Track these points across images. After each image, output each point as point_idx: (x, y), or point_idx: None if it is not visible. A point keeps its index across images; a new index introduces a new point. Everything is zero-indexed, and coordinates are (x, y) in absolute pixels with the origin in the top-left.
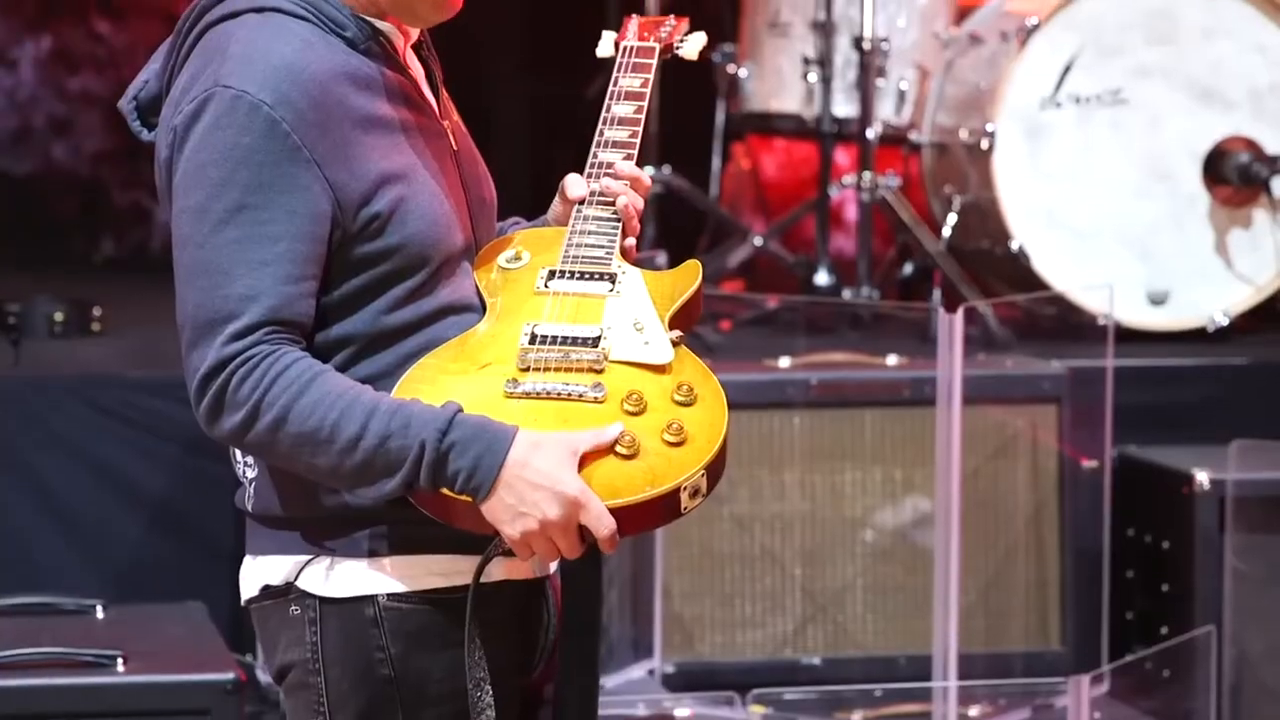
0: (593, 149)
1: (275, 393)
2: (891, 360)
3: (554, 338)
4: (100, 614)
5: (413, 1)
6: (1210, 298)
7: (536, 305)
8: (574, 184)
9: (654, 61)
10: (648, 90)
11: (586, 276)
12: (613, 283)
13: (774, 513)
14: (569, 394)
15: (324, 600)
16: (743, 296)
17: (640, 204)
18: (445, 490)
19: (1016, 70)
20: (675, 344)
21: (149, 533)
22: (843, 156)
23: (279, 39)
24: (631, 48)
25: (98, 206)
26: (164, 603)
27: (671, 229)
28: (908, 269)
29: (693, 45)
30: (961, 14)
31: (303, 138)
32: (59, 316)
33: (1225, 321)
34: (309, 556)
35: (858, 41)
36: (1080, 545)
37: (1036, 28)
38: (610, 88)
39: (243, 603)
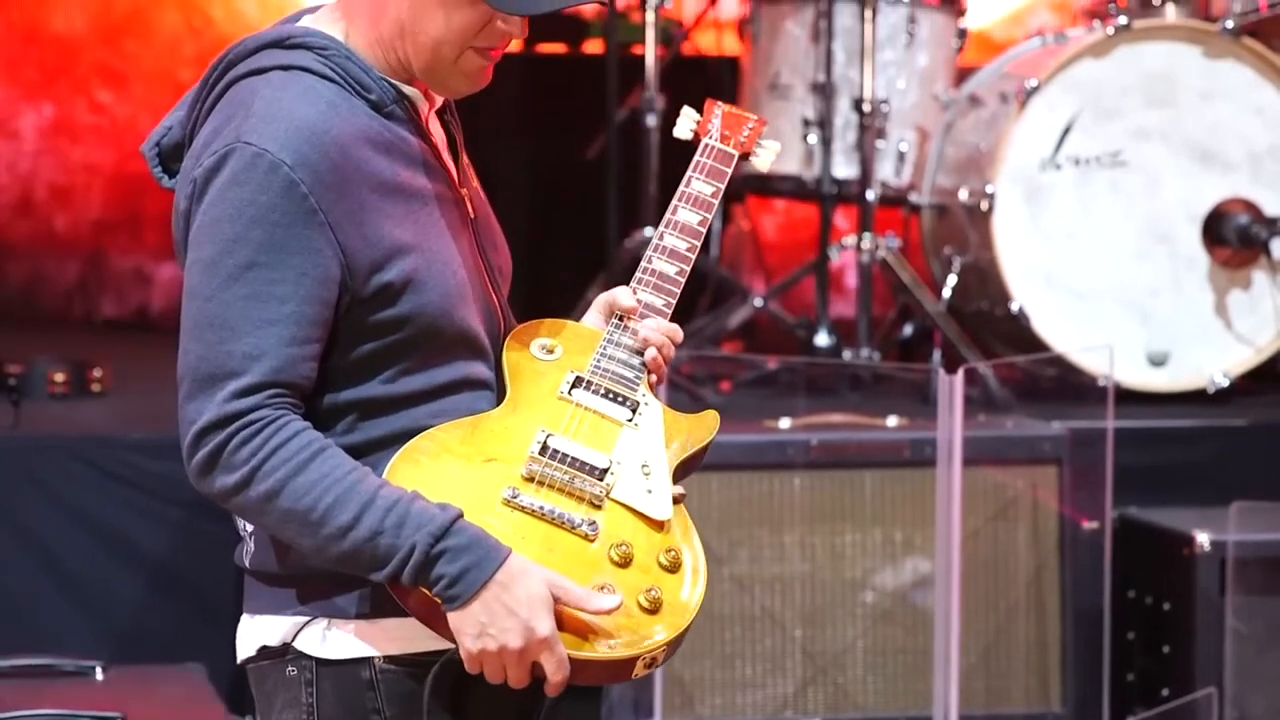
0: (649, 252)
1: (274, 463)
2: (892, 421)
3: (564, 455)
4: (100, 675)
5: (444, 75)
6: (1210, 359)
7: (556, 412)
8: (623, 295)
9: (729, 171)
10: (717, 201)
11: (610, 396)
12: (634, 412)
13: (774, 574)
14: (563, 521)
15: (320, 661)
16: (743, 358)
17: (670, 355)
18: (424, 589)
19: (1016, 132)
20: (677, 501)
21: (149, 593)
22: (843, 218)
23: (303, 99)
24: (712, 148)
25: (98, 270)
26: (163, 664)
27: None
28: (908, 330)
29: (766, 155)
30: (961, 76)
31: (319, 200)
32: (59, 377)
33: (1225, 383)
34: (306, 618)
35: (857, 103)
36: (1081, 606)
37: (1036, 90)
38: (682, 186)
39: (239, 662)
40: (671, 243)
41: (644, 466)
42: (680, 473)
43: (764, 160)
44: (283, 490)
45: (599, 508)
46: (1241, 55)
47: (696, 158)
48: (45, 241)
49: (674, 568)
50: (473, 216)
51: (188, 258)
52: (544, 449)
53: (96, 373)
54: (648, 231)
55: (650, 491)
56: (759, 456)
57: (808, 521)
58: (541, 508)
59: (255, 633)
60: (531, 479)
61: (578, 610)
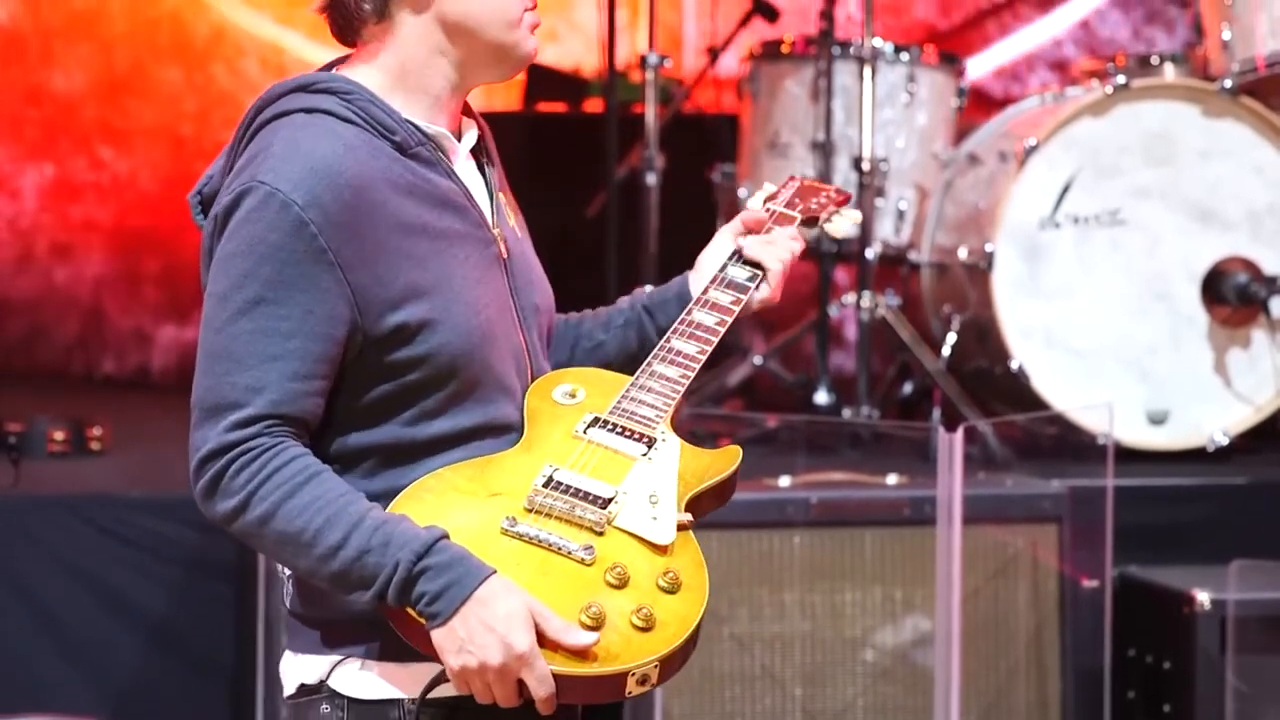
0: (693, 305)
1: (269, 488)
2: (891, 479)
3: (568, 487)
4: None
5: (518, 39)
6: (1210, 417)
7: (567, 449)
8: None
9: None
10: (749, 294)
11: (626, 434)
12: (649, 447)
13: (774, 632)
14: (558, 548)
15: (352, 701)
16: (742, 416)
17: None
18: (409, 609)
19: (1015, 190)
20: (683, 527)
21: (148, 652)
22: (842, 276)
23: (321, 140)
24: (775, 212)
25: (98, 329)
26: None
27: None
28: (907, 388)
29: (841, 223)
30: (960, 134)
31: (328, 240)
32: (59, 436)
33: (1225, 441)
34: (340, 657)
35: (857, 162)
36: (1081, 665)
37: (1035, 148)
38: (732, 248)
39: (283, 699)
40: (715, 297)
41: (652, 496)
42: (699, 505)
43: (837, 227)
44: (276, 513)
45: (599, 534)
46: (1240, 114)
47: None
48: (45, 298)
49: (673, 589)
50: (505, 256)
51: (206, 290)
52: (549, 482)
53: (96, 431)
54: (648, 289)
55: (655, 519)
56: (759, 515)
57: (808, 580)
58: (538, 535)
59: (295, 670)
60: (532, 509)
61: (557, 641)
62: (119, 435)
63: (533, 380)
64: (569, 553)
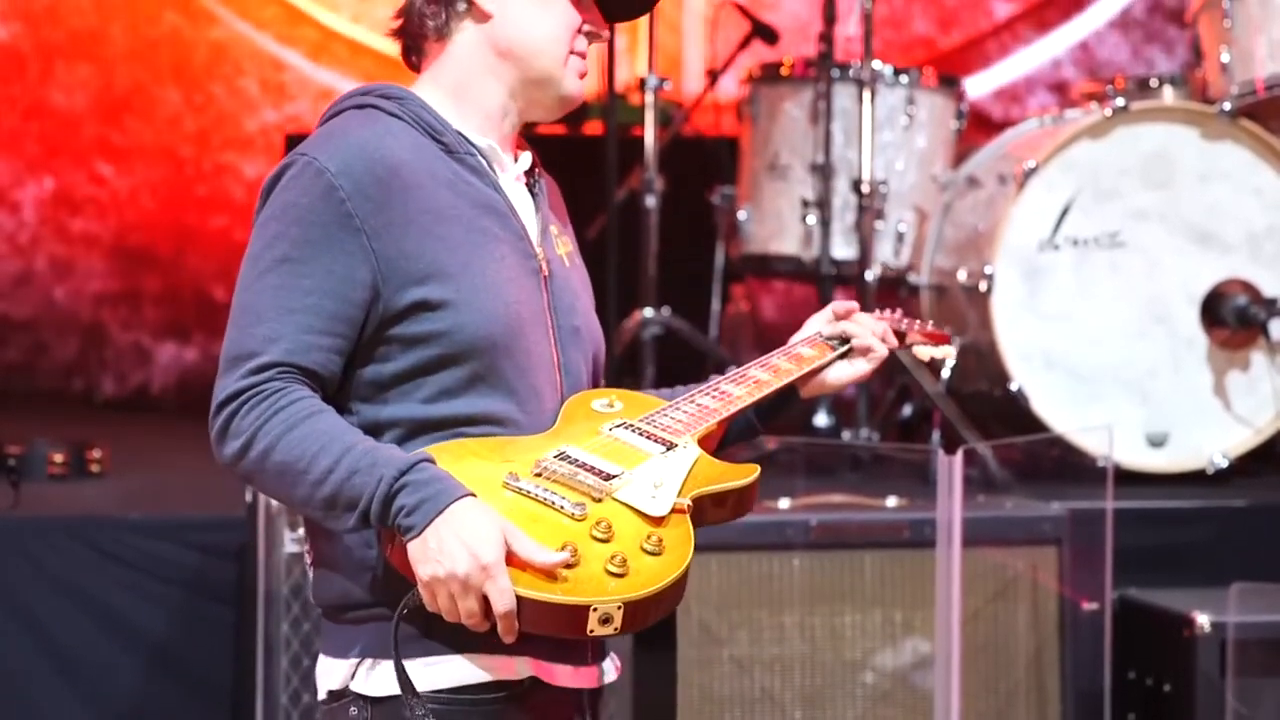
0: (752, 364)
1: (272, 424)
2: (891, 502)
3: (576, 460)
4: None
5: (560, 79)
6: (1209, 440)
7: (587, 437)
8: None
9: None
10: (833, 355)
11: (648, 436)
12: (668, 449)
13: (774, 655)
14: (550, 502)
15: (371, 700)
16: None
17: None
18: (387, 525)
19: (1014, 212)
20: (680, 510)
21: (147, 674)
22: (841, 297)
23: (366, 124)
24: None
25: (98, 348)
26: None
27: (670, 370)
28: (907, 410)
29: (930, 351)
30: (959, 155)
31: (356, 207)
32: (58, 458)
33: (1225, 463)
34: (358, 659)
35: (856, 184)
36: (1081, 688)
37: (1034, 171)
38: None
39: (319, 704)
40: (780, 362)
41: (656, 484)
42: (705, 507)
43: (926, 353)
44: (277, 445)
45: (596, 501)
46: (1239, 137)
47: None
48: (45, 316)
49: (656, 552)
50: (545, 274)
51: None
52: (560, 455)
53: (95, 453)
54: (647, 312)
55: (654, 498)
56: (758, 537)
57: (807, 602)
58: (534, 491)
59: (325, 676)
60: (537, 472)
61: (526, 559)
62: (118, 457)
63: (565, 395)
64: (560, 507)
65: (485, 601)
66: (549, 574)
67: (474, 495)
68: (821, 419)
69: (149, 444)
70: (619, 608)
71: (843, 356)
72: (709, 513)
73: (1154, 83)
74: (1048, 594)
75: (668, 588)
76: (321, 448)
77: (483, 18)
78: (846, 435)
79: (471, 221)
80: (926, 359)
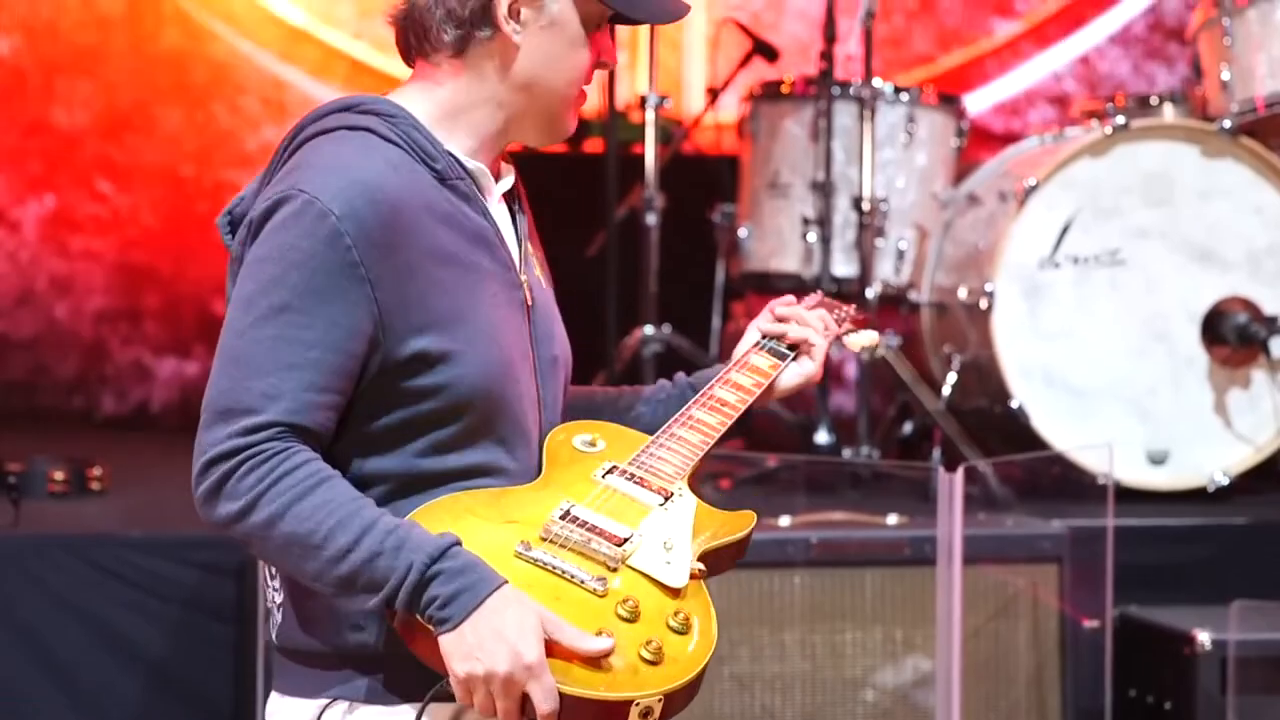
0: (714, 382)
1: (278, 490)
2: (892, 519)
3: (584, 522)
4: None
5: (565, 115)
6: (1210, 457)
7: (585, 488)
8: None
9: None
10: (784, 363)
11: (644, 484)
12: (666, 499)
13: (774, 673)
14: (571, 576)
15: None
16: (742, 455)
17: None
18: (417, 614)
19: (1015, 230)
20: (695, 576)
21: (147, 692)
22: None
23: (364, 155)
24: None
25: (98, 365)
26: None
27: None
28: (908, 428)
29: (858, 339)
30: (960, 174)
31: (362, 255)
32: (59, 476)
33: (1225, 481)
34: (328, 700)
35: (857, 202)
36: (1082, 706)
37: (1034, 188)
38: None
39: None
40: (737, 377)
41: (666, 542)
42: (710, 563)
43: (854, 342)
44: (285, 514)
45: (613, 570)
46: (1239, 155)
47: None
48: (45, 334)
49: (684, 630)
50: (529, 304)
51: (232, 295)
52: (565, 515)
53: (96, 471)
54: (648, 329)
55: (669, 563)
56: (759, 554)
57: (808, 620)
58: (552, 563)
59: (282, 715)
60: (547, 538)
61: (571, 648)
62: (119, 475)
63: (544, 430)
64: (581, 582)
65: (524, 698)
66: (589, 663)
67: (509, 583)
68: (822, 436)
69: (149, 461)
70: (659, 700)
71: (792, 359)
72: (714, 565)
73: (1154, 100)
74: (1048, 612)
75: (702, 672)
76: (338, 522)
77: (507, 48)
78: (847, 453)
79: (466, 259)
80: (858, 349)
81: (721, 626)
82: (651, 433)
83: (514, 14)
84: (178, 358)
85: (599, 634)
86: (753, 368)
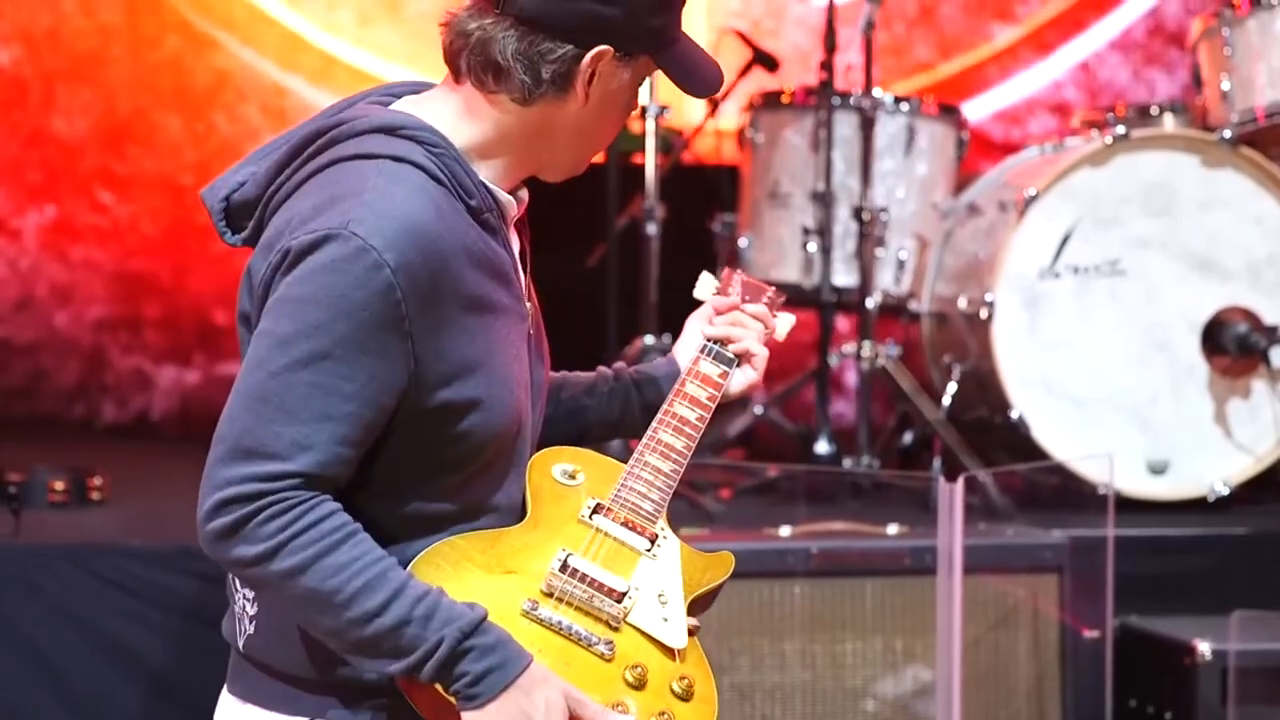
0: (672, 398)
1: (303, 540)
2: (892, 529)
3: (584, 576)
4: None
5: (582, 165)
6: (1210, 467)
7: (576, 533)
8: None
9: None
10: (731, 369)
11: (630, 527)
12: (652, 543)
13: (775, 682)
14: (581, 639)
15: None
16: (743, 465)
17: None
18: (440, 686)
19: (1015, 240)
20: (691, 632)
21: (147, 702)
22: (842, 325)
23: (416, 198)
24: (745, 297)
25: (99, 374)
26: None
27: None
28: (908, 438)
29: (782, 325)
30: (960, 184)
31: (409, 309)
32: (59, 486)
33: (1225, 491)
34: (307, 718)
35: (857, 212)
36: (1082, 716)
37: (1035, 198)
38: (707, 342)
39: None
40: (692, 390)
41: (660, 595)
42: (696, 610)
43: (781, 330)
44: (309, 568)
45: (615, 629)
46: (1239, 165)
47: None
48: (46, 342)
49: (687, 696)
50: (530, 332)
51: (260, 325)
52: (564, 567)
53: (96, 481)
54: (648, 339)
55: (666, 620)
56: (759, 564)
57: (808, 630)
58: (560, 623)
59: None
60: (551, 594)
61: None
62: (119, 485)
63: (526, 458)
64: (590, 645)
65: None
66: None
67: (534, 660)
68: (822, 446)
69: (150, 470)
70: None
71: (736, 365)
72: (695, 611)
73: (1154, 110)
74: (1049, 622)
75: None
76: (365, 584)
77: (570, 105)
78: (847, 463)
79: (489, 299)
80: (783, 338)
81: (721, 636)
82: (598, 429)
83: (591, 79)
84: (178, 366)
85: (615, 706)
86: (704, 378)
